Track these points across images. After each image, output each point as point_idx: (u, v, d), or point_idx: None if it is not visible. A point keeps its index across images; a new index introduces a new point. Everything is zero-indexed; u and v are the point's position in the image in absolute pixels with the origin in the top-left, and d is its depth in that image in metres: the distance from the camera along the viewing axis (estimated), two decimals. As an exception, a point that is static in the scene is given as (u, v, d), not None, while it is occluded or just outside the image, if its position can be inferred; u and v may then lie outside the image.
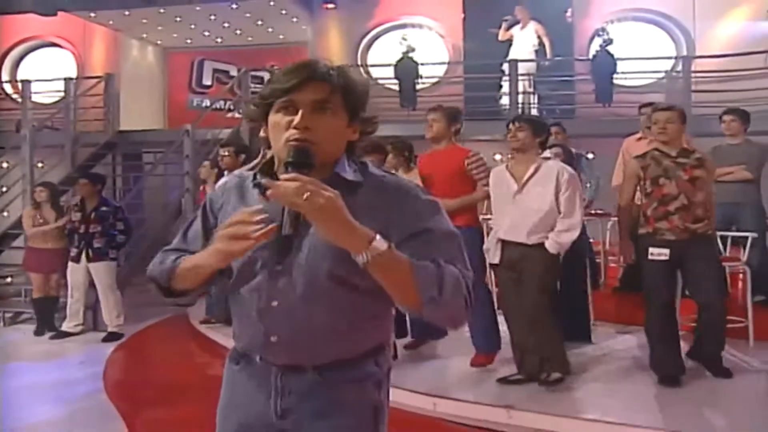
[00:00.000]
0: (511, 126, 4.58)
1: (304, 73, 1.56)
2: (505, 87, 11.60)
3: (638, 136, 6.69)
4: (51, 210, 7.45)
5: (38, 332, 7.27)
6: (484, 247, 4.76)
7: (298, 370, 1.63)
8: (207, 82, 16.01)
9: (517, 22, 12.01)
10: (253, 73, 12.39)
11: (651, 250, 4.55)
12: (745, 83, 10.09)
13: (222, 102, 13.17)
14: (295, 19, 13.95)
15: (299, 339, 1.60)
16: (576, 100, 11.93)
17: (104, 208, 7.10)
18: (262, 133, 1.66)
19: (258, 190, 1.64)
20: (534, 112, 11.59)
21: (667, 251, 4.49)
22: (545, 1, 12.28)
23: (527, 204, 4.47)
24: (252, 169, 1.93)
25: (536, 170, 4.50)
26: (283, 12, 13.53)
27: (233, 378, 1.77)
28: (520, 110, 11.15)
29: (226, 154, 6.78)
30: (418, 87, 11.91)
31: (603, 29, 11.77)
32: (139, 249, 8.74)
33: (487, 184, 4.85)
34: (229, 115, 12.42)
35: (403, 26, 13.47)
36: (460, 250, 1.61)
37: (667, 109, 4.69)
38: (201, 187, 7.97)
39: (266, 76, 14.32)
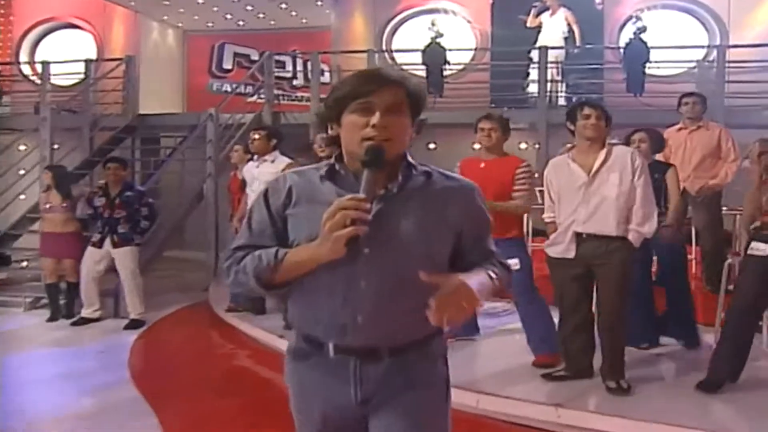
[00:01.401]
0: (587, 111, 4.22)
1: (381, 77, 1.73)
2: (533, 74, 11.36)
3: (678, 126, 6.52)
4: (56, 194, 7.26)
5: (52, 318, 7.08)
6: (547, 242, 4.47)
7: (375, 358, 1.75)
8: (227, 66, 15.81)
9: (547, 9, 11.83)
10: (277, 57, 12.18)
11: (753, 244, 4.18)
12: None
13: (243, 86, 12.96)
14: (319, 3, 13.72)
15: (383, 320, 1.71)
16: (605, 88, 11.66)
17: (129, 193, 6.89)
18: (330, 132, 1.80)
19: (331, 182, 1.78)
20: (561, 101, 11.39)
21: (766, 247, 4.09)
22: (576, -12, 12.00)
23: (604, 193, 4.15)
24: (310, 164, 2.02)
25: (607, 156, 4.19)
26: (308, -5, 13.30)
27: (304, 376, 1.84)
28: (548, 99, 10.93)
29: (258, 137, 6.52)
30: (445, 73, 11.63)
31: (637, 17, 11.46)
32: (159, 235, 8.55)
33: (526, 196, 4.74)
34: (251, 99, 12.24)
35: (430, 11, 13.20)
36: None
37: None
38: (232, 173, 7.73)
39: (289, 60, 14.24)
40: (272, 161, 6.43)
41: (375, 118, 1.67)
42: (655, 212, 4.21)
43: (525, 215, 5.44)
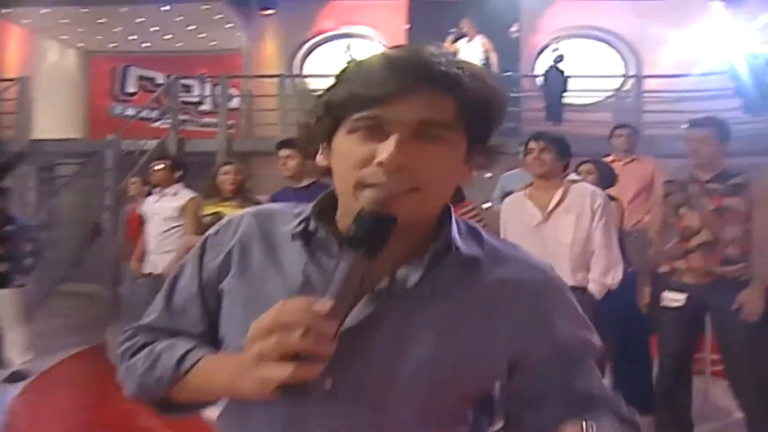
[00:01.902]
0: (532, 145, 3.83)
1: (411, 70, 0.96)
2: (451, 102, 11.10)
3: (611, 158, 6.28)
4: None
5: None
6: None
7: None
8: (131, 89, 15.08)
9: (464, 35, 11.64)
10: (183, 81, 11.64)
11: (663, 294, 3.84)
12: (696, 104, 9.82)
13: (148, 111, 12.33)
14: (229, 25, 13.20)
15: None
16: (523, 117, 11.53)
17: (10, 227, 6.18)
18: (319, 160, 1.08)
19: (304, 246, 1.08)
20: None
21: (682, 297, 3.76)
22: (492, 15, 11.95)
23: (556, 237, 3.74)
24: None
25: (564, 195, 3.79)
26: (217, 17, 12.78)
27: None
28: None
29: (161, 168, 5.93)
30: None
31: (556, 47, 11.44)
32: (53, 271, 7.86)
33: None
34: (156, 124, 11.66)
35: (345, 36, 12.86)
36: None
37: (703, 125, 3.87)
38: (130, 206, 7.05)
39: (196, 84, 13.62)
40: (174, 194, 5.84)
41: (386, 150, 0.95)
42: (620, 260, 3.81)
43: None
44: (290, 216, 1.13)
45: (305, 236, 1.08)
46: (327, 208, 1.09)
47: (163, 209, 5.75)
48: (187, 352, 1.09)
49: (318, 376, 0.89)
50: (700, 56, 10.83)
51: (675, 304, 3.78)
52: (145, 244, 5.94)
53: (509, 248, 1.13)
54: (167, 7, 12.19)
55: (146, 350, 1.15)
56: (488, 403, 1.08)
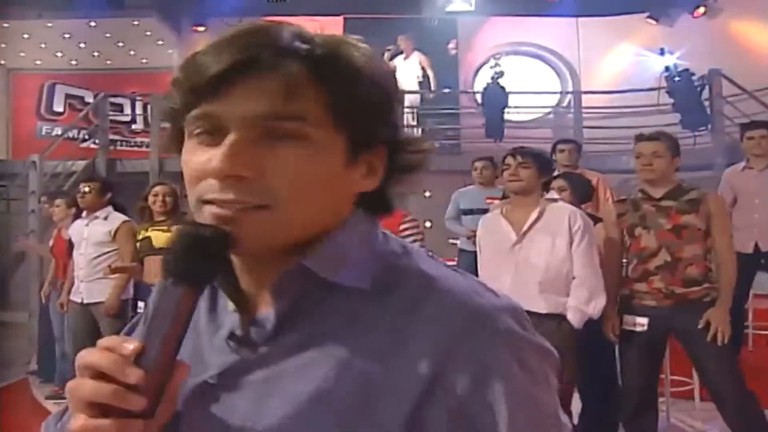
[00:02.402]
0: (509, 161, 3.58)
1: (249, 45, 0.74)
2: (387, 119, 10.99)
3: (556, 174, 6.19)
4: None
5: None
6: None
7: None
8: (58, 108, 14.43)
9: (400, 52, 11.59)
10: (112, 99, 11.24)
11: (625, 318, 3.66)
12: (634, 119, 9.91)
13: (76, 131, 11.85)
14: (160, 42, 12.80)
15: None
16: (462, 134, 11.48)
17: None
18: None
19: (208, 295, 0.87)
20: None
21: (645, 320, 3.58)
22: (429, 33, 11.98)
23: (530, 259, 3.49)
24: None
25: (540, 215, 3.54)
26: (148, 33, 12.39)
27: None
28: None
29: (88, 190, 5.55)
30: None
31: (495, 62, 11.44)
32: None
33: None
34: (84, 145, 11.21)
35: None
36: None
37: (654, 138, 3.68)
38: (55, 231, 6.56)
39: (127, 103, 13.18)
40: (105, 218, 5.49)
41: (216, 157, 0.74)
42: (602, 287, 3.54)
43: None
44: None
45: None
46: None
47: (93, 234, 5.41)
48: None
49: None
50: (636, 72, 10.96)
51: (638, 329, 3.61)
52: (73, 272, 5.57)
53: (452, 279, 0.79)
54: (94, 23, 11.74)
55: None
56: None
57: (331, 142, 0.77)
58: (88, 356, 0.71)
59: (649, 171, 3.65)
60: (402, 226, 3.94)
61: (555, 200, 3.72)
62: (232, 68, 0.72)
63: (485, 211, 5.57)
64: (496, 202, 5.13)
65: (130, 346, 0.70)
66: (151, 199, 5.11)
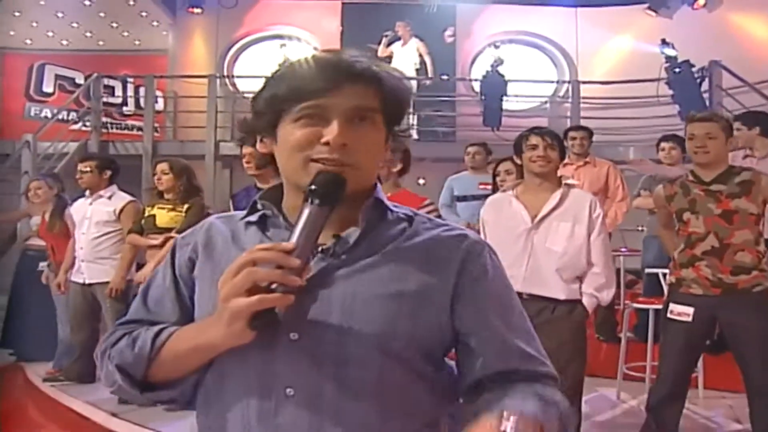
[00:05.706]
0: (534, 141, 3.49)
1: (342, 67, 1.19)
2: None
3: (564, 162, 6.12)
4: None
5: None
6: None
7: None
8: (48, 89, 14.21)
9: (398, 39, 11.53)
10: (105, 81, 11.11)
11: (671, 306, 3.56)
12: (633, 111, 9.87)
13: (66, 113, 11.69)
14: (155, 23, 12.62)
15: None
16: (458, 122, 11.40)
17: None
18: (260, 147, 1.28)
19: (258, 228, 1.28)
20: (414, 133, 11.01)
21: (690, 310, 3.48)
22: (427, 20, 11.88)
23: (550, 246, 3.40)
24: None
25: (561, 200, 3.46)
26: (143, 14, 12.22)
27: None
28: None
29: (88, 170, 5.44)
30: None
31: (495, 49, 11.37)
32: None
33: None
34: (75, 127, 11.05)
35: (276, 37, 12.45)
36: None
37: (707, 119, 3.55)
38: (41, 214, 6.26)
39: (119, 84, 12.99)
40: (109, 197, 5.39)
41: (331, 132, 1.15)
42: (614, 276, 3.51)
43: None
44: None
45: (258, 220, 1.27)
46: (271, 198, 1.28)
47: (96, 213, 5.32)
48: (163, 329, 1.20)
49: (277, 327, 1.06)
50: (635, 64, 10.89)
51: (681, 318, 3.53)
52: (73, 252, 5.46)
53: (443, 222, 1.32)
54: (89, 2, 11.55)
55: (125, 338, 1.22)
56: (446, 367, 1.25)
57: (382, 127, 1.24)
58: (257, 254, 1.05)
59: (704, 153, 3.53)
60: (423, 210, 3.83)
61: (572, 185, 3.63)
62: (342, 80, 1.17)
63: (478, 197, 5.54)
64: (489, 187, 5.07)
65: (290, 245, 1.06)
66: (156, 177, 5.04)
